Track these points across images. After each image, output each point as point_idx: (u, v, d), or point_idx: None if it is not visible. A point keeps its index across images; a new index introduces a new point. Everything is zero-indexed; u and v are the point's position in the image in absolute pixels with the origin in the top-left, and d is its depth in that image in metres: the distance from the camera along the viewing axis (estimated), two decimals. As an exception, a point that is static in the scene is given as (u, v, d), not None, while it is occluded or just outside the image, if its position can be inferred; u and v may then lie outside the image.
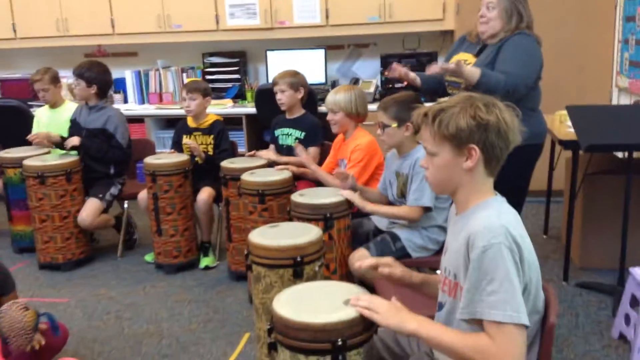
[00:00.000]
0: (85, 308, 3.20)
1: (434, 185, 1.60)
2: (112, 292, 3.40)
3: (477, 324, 1.42)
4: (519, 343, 1.37)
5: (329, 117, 3.22)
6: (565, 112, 3.30)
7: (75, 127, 3.87)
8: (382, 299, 1.54)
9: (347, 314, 1.54)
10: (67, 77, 4.85)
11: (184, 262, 3.63)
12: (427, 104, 1.60)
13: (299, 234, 2.20)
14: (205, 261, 3.68)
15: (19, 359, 2.48)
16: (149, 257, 3.80)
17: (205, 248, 3.73)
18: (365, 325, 1.57)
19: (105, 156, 3.79)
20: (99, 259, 3.88)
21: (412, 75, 2.95)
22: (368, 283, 2.43)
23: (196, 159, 3.70)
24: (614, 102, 4.29)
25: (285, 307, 1.60)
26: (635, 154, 2.98)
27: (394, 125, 2.65)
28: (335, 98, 3.18)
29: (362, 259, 2.56)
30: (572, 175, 3.19)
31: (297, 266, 2.10)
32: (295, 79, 3.56)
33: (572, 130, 3.10)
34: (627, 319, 2.63)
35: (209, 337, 2.87)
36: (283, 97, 3.56)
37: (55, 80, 4.13)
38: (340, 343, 1.52)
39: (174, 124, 5.17)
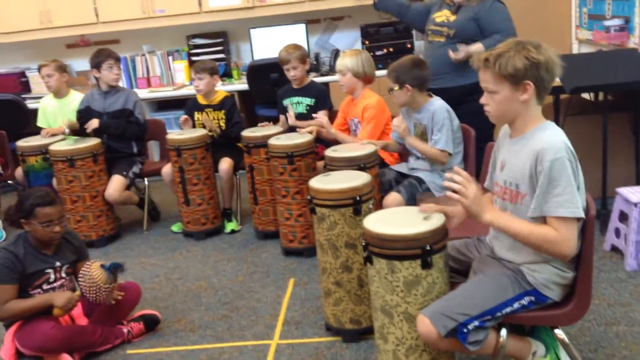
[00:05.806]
0: (133, 274, 3.45)
1: (496, 118, 1.94)
2: (151, 259, 3.67)
3: (541, 220, 1.81)
4: (575, 233, 1.80)
5: (338, 78, 3.54)
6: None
7: (90, 113, 4.04)
8: (474, 187, 1.86)
9: (431, 224, 1.93)
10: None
11: (211, 229, 3.93)
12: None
13: (353, 179, 2.55)
14: (230, 226, 3.98)
15: (100, 316, 2.77)
16: (175, 228, 4.07)
17: (228, 214, 4.03)
18: (444, 233, 1.96)
19: (124, 133, 4.01)
20: (127, 234, 4.13)
21: None
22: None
23: (211, 133, 3.95)
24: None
25: (378, 226, 1.97)
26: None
27: (396, 88, 3.02)
28: (343, 61, 3.49)
29: (395, 201, 2.97)
30: (555, 118, 3.65)
31: (356, 204, 2.45)
32: (302, 52, 3.81)
33: (551, 78, 3.58)
34: (617, 232, 3.11)
35: (258, 285, 3.20)
36: (297, 72, 3.79)
37: (61, 68, 4.29)
38: (428, 248, 1.90)
39: (167, 105, 5.42)
